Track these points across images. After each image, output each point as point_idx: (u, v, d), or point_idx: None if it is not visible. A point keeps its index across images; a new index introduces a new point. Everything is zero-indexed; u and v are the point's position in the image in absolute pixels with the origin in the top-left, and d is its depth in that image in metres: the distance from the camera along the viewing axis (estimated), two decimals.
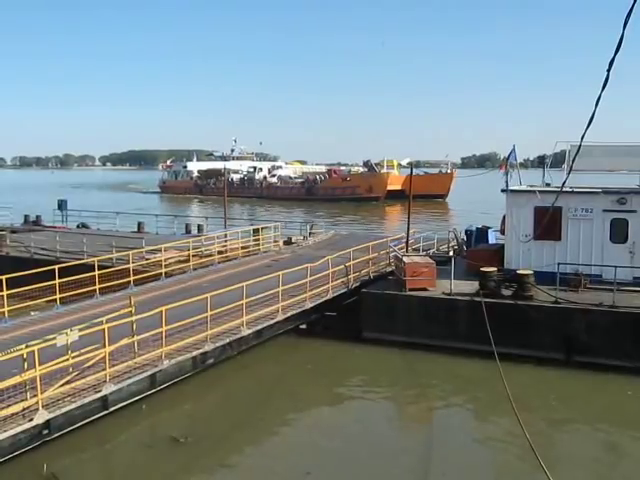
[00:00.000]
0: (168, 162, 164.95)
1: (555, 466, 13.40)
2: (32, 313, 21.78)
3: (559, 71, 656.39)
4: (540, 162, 28.38)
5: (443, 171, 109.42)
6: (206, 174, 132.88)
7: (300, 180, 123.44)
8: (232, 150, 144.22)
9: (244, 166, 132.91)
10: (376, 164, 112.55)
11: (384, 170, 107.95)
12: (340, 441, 16.22)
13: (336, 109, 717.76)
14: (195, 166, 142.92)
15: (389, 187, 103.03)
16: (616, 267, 21.84)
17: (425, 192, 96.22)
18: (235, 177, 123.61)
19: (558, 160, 27.42)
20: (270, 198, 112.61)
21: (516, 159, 27.34)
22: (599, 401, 19.06)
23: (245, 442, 16.25)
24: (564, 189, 19.06)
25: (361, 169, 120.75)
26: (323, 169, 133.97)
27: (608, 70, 8.09)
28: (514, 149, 27.31)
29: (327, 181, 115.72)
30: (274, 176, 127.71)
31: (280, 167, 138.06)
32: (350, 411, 18.63)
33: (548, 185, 26.70)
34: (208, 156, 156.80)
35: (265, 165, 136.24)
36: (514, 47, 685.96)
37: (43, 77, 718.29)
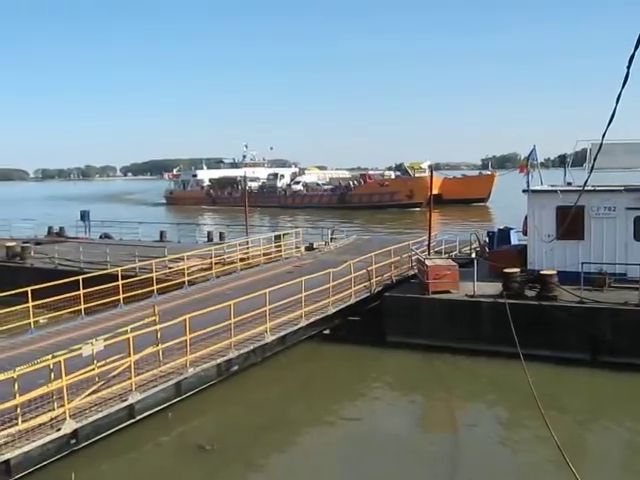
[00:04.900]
0: (174, 171, 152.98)
1: (584, 469, 13.27)
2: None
3: (578, 70, 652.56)
4: (561, 161, 28.23)
5: (474, 173, 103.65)
6: (219, 183, 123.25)
7: (329, 187, 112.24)
8: (244, 156, 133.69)
9: (258, 173, 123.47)
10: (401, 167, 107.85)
11: (425, 174, 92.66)
12: (366, 447, 16.17)
13: (349, 114, 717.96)
14: (206, 175, 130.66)
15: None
16: None
17: (464, 196, 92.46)
18: (253, 185, 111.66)
19: (579, 159, 27.22)
20: (296, 207, 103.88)
21: (536, 159, 27.17)
22: (626, 401, 18.84)
23: (272, 449, 16.28)
24: (586, 188, 18.94)
25: (393, 174, 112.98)
26: (346, 174, 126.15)
27: (628, 67, 8.03)
28: (534, 149, 27.14)
29: (362, 187, 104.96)
30: (298, 183, 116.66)
31: (303, 173, 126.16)
32: (376, 416, 18.56)
33: (570, 184, 26.51)
34: (218, 163, 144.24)
35: (286, 171, 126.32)
36: (524, 47, 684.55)
37: (65, 88, 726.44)
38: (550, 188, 26.25)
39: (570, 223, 21.78)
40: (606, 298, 21.72)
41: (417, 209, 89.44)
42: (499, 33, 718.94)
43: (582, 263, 22.89)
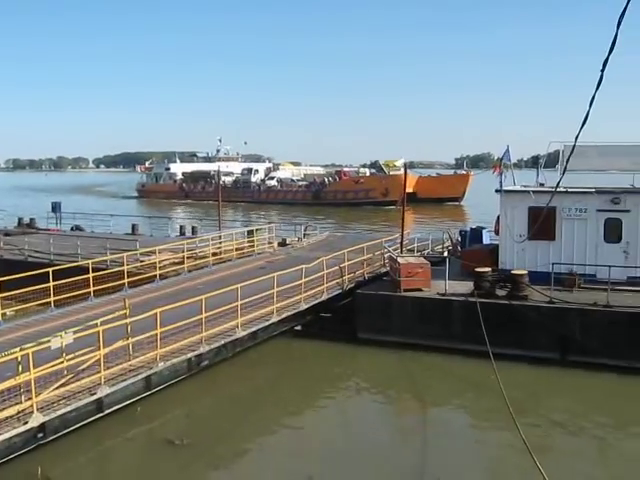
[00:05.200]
0: (147, 164, 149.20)
1: (551, 466, 13.38)
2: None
3: (554, 71, 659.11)
4: (534, 162, 28.49)
5: (456, 172, 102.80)
6: (192, 177, 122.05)
7: (304, 183, 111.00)
8: (217, 150, 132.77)
9: (231, 167, 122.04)
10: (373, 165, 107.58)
11: (400, 172, 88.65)
12: (336, 443, 16.21)
13: (327, 110, 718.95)
14: (179, 168, 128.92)
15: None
16: (610, 267, 21.89)
17: (439, 195, 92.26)
18: (227, 180, 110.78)
19: (552, 160, 27.46)
20: (270, 203, 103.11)
21: (510, 159, 27.38)
22: (594, 400, 19.09)
23: (242, 444, 16.25)
24: (558, 189, 19.10)
25: (367, 171, 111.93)
26: (321, 170, 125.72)
27: (602, 70, 8.09)
28: (508, 149, 27.36)
29: (337, 184, 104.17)
30: (272, 178, 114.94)
31: (277, 169, 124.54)
32: (345, 413, 18.63)
33: (542, 185, 26.77)
34: (191, 157, 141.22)
35: (260, 167, 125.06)
36: (509, 47, 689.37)
37: (36, 80, 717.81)
38: (522, 189, 26.46)
39: (542, 224, 21.95)
40: (576, 299, 21.94)
41: (392, 207, 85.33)
42: (483, 32, 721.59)
43: (553, 263, 23.10)
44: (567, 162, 14.43)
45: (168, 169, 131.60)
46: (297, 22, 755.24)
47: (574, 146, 11.36)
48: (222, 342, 19.15)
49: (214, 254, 32.56)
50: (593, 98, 8.85)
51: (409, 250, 31.05)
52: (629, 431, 17.32)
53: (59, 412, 14.08)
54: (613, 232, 24.50)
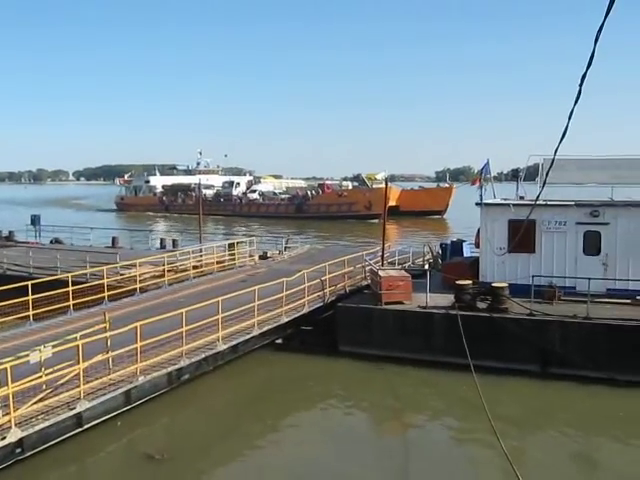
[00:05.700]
0: (126, 177, 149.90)
1: (530, 477, 13.42)
2: None
3: (553, 80, 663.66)
4: (514, 175, 28.60)
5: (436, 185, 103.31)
6: (172, 189, 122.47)
7: (287, 196, 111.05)
8: (198, 163, 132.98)
9: (212, 180, 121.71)
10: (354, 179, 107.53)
11: (383, 185, 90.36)
12: (317, 457, 16.14)
13: (307, 124, 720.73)
14: (159, 181, 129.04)
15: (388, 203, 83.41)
16: (589, 279, 22.04)
17: (422, 209, 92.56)
18: (208, 193, 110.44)
19: (531, 173, 27.65)
20: (251, 216, 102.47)
21: (490, 173, 27.50)
22: (573, 411, 19.12)
23: (222, 458, 16.16)
24: (538, 202, 19.23)
25: (350, 184, 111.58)
26: (302, 183, 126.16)
27: (580, 85, 8.16)
28: (488, 163, 27.47)
29: (320, 197, 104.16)
30: (254, 192, 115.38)
31: (259, 181, 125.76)
32: (326, 426, 18.52)
33: (522, 198, 26.91)
34: (171, 170, 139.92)
35: (242, 180, 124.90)
36: (507, 58, 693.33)
37: (15, 92, 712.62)
38: (502, 202, 26.61)
39: (522, 236, 22.09)
40: (555, 311, 22.06)
41: (375, 220, 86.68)
42: (481, 44, 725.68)
43: (533, 276, 23.24)
44: (547, 175, 14.49)
45: (148, 182, 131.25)
46: (295, 35, 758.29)
47: (554, 159, 11.44)
48: (203, 356, 19.05)
49: (195, 267, 32.44)
50: (572, 112, 8.93)
51: (390, 263, 31.13)
52: (612, 444, 17.34)
53: (38, 427, 13.93)
54: (592, 245, 24.70)
